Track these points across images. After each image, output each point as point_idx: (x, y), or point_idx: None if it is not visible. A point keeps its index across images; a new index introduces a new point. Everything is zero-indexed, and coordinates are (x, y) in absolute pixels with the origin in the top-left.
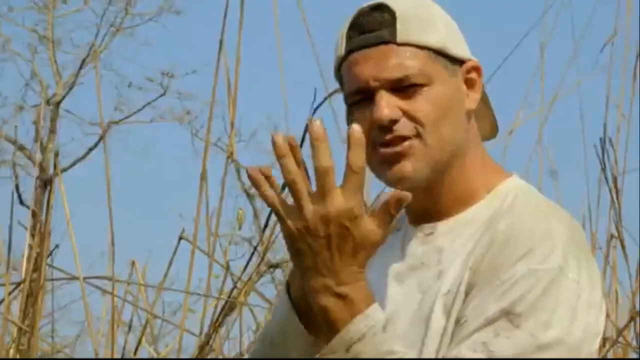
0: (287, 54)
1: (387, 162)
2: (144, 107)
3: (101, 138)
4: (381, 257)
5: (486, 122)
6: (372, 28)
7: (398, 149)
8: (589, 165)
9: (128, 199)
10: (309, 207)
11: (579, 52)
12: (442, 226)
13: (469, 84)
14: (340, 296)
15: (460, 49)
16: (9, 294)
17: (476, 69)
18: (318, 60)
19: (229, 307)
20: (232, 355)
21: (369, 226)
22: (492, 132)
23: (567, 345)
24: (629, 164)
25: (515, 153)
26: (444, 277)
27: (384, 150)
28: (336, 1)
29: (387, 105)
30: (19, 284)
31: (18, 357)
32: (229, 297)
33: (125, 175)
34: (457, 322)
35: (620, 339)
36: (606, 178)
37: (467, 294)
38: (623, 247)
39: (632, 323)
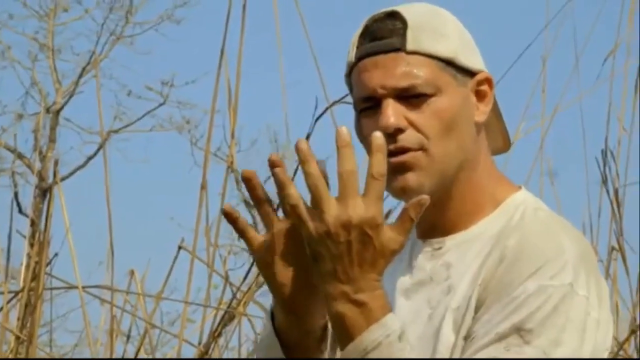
0: (288, 63)
1: (391, 172)
2: (143, 116)
3: (100, 147)
4: (389, 269)
5: (498, 135)
6: (383, 35)
7: (403, 158)
8: (590, 178)
9: (127, 208)
10: (330, 212)
11: (580, 65)
12: (450, 241)
13: (480, 96)
14: (358, 303)
15: (472, 60)
16: (7, 302)
17: (488, 81)
18: (319, 69)
19: (228, 317)
20: None
21: (389, 234)
22: (504, 145)
23: (570, 346)
24: (630, 176)
25: (517, 165)
26: (453, 292)
27: (388, 159)
28: (339, 12)
29: (393, 114)
30: (17, 293)
31: None
32: (228, 307)
33: (124, 184)
34: (467, 337)
35: (621, 353)
36: (607, 190)
37: (477, 310)
38: (624, 259)
39: (633, 336)
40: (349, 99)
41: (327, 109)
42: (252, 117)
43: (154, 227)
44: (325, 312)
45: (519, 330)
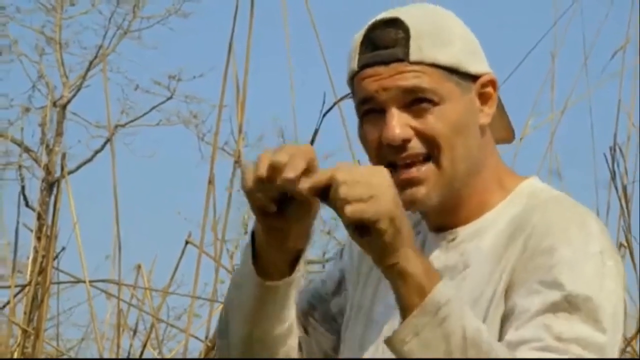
0: (296, 58)
1: (400, 186)
2: (150, 110)
3: (108, 141)
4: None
5: (501, 127)
6: (385, 44)
7: (412, 174)
8: (599, 174)
9: (134, 202)
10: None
11: (589, 60)
12: (464, 230)
13: (483, 98)
14: (421, 266)
15: (475, 63)
16: (14, 296)
17: (492, 82)
18: (327, 64)
19: None
20: None
21: None
22: (507, 136)
23: (609, 333)
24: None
25: (525, 161)
26: (471, 279)
27: (398, 175)
28: (347, 7)
29: (397, 124)
30: (24, 287)
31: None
32: None
33: (131, 179)
34: (510, 312)
35: (629, 349)
36: (616, 187)
37: (505, 291)
38: (632, 256)
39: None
40: None
41: (335, 104)
42: (259, 112)
43: (161, 221)
44: (304, 239)
45: (566, 296)
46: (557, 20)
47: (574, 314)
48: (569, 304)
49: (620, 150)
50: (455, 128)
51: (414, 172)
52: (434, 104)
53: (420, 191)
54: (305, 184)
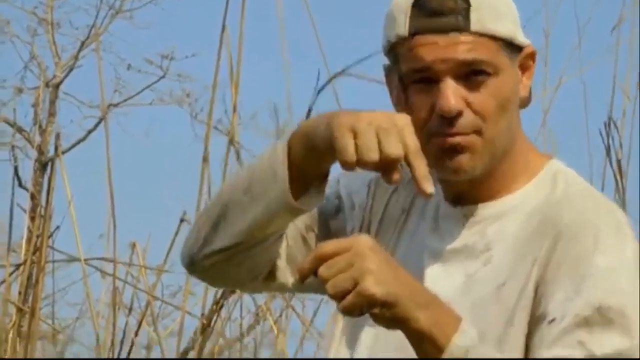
0: (289, 36)
1: (446, 153)
2: (143, 89)
3: (101, 120)
4: (413, 227)
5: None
6: (443, 11)
7: (457, 140)
8: (593, 149)
9: (128, 181)
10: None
11: (583, 36)
12: (485, 209)
13: (523, 69)
14: (434, 313)
15: (521, 35)
16: (9, 275)
17: (532, 55)
18: (320, 43)
19: (230, 290)
20: (233, 337)
21: None
22: (524, 101)
23: (637, 335)
24: (634, 147)
25: None
26: (494, 265)
27: (444, 140)
28: None
29: (453, 95)
30: (19, 266)
31: (18, 339)
32: None
33: (125, 158)
34: (541, 319)
35: None
36: (610, 162)
37: (535, 289)
38: None
39: None
40: (352, 70)
41: (329, 81)
42: (252, 91)
43: (156, 200)
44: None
45: (598, 309)
46: None
47: (607, 327)
48: (602, 317)
49: (615, 125)
50: (504, 102)
51: (460, 139)
52: (489, 75)
53: (465, 159)
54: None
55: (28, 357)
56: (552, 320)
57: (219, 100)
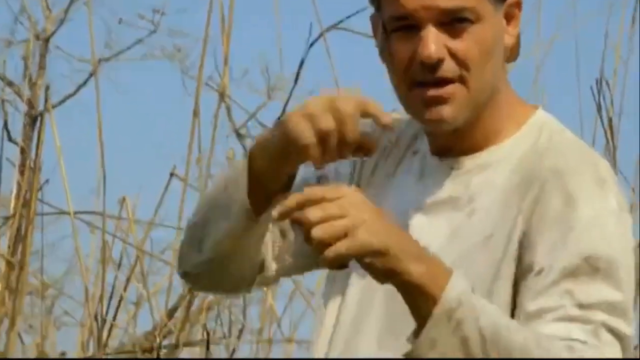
0: None
1: (427, 103)
2: (134, 44)
3: (91, 75)
4: (399, 179)
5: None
6: None
7: (441, 92)
8: (584, 108)
9: (118, 137)
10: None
11: None
12: (470, 161)
13: (509, 18)
14: (428, 266)
15: None
16: None
17: (518, 4)
18: None
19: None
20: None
21: None
22: (512, 54)
23: (627, 288)
24: (625, 107)
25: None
26: (480, 216)
27: (425, 91)
28: None
29: (435, 42)
30: (8, 218)
31: (7, 293)
32: None
33: (115, 113)
34: (528, 270)
35: None
36: (601, 119)
37: (521, 241)
38: None
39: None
40: (344, 24)
41: (320, 34)
42: (243, 48)
43: (146, 156)
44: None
45: (586, 259)
46: None
47: (595, 276)
48: (590, 267)
49: (607, 83)
50: (487, 49)
51: (442, 90)
52: (472, 22)
53: (446, 109)
54: (274, 212)
55: (16, 311)
56: (540, 270)
57: (210, 55)
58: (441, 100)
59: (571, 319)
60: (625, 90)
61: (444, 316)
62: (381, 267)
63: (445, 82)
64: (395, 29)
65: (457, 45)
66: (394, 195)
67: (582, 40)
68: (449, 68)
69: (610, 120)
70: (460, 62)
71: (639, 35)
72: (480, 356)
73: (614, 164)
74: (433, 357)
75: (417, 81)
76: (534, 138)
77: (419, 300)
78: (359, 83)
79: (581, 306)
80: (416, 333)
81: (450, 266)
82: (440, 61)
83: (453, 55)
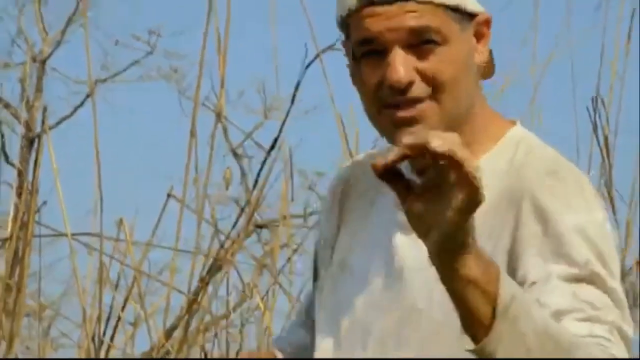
0: (277, 9)
1: (397, 125)
2: (130, 65)
3: (88, 96)
4: (379, 204)
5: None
6: None
7: (413, 112)
8: (580, 126)
9: (115, 158)
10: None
11: (572, 11)
12: None
13: (478, 36)
14: (481, 261)
15: (472, 2)
16: None
17: (487, 22)
18: (308, 16)
19: (217, 266)
20: (219, 314)
21: None
22: (487, 71)
23: (621, 293)
24: (622, 124)
25: (508, 113)
26: None
27: (395, 112)
28: None
29: (403, 65)
30: (5, 240)
31: (4, 315)
32: (216, 255)
33: (112, 135)
34: (521, 283)
35: None
36: (597, 138)
37: (508, 259)
38: (613, 208)
39: (621, 281)
40: (339, 45)
41: (317, 55)
42: (239, 69)
43: (143, 177)
44: None
45: (580, 267)
46: None
47: (593, 281)
48: (587, 272)
49: (603, 101)
50: (458, 68)
51: (413, 110)
52: (438, 44)
53: (418, 130)
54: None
55: (14, 333)
56: (533, 283)
57: (207, 77)
58: (412, 121)
59: (589, 319)
60: (622, 106)
61: (504, 312)
62: (458, 207)
63: (415, 101)
64: (363, 53)
65: (425, 65)
66: (377, 216)
67: (579, 57)
68: (419, 88)
69: (606, 138)
70: (430, 82)
71: (638, 48)
72: (538, 352)
73: (610, 182)
74: (500, 353)
75: (387, 103)
76: (510, 153)
77: (477, 297)
78: (354, 103)
79: (595, 308)
80: (472, 329)
81: (435, 284)
82: (410, 84)
83: (423, 75)
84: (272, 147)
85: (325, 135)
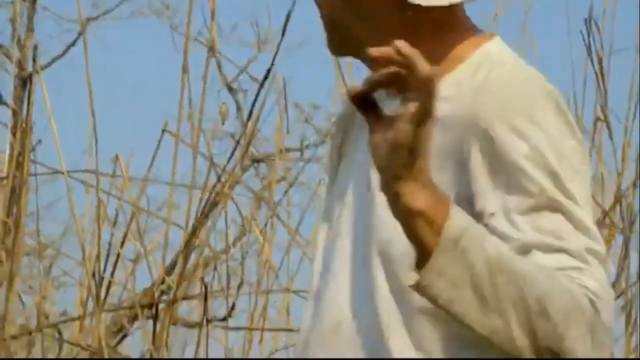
0: None
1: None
2: (121, 2)
3: (80, 35)
4: (355, 136)
5: None
6: None
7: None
8: (575, 49)
9: (109, 96)
10: None
11: None
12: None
13: None
14: (431, 193)
15: None
16: None
17: None
18: None
19: (215, 201)
20: (219, 248)
21: None
22: None
23: (588, 208)
24: (616, 44)
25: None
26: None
27: None
28: None
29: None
30: (1, 179)
31: (4, 254)
32: (213, 189)
33: (105, 73)
34: (479, 216)
35: (607, 220)
36: (592, 60)
37: (465, 192)
38: (609, 129)
39: (618, 204)
40: None
41: None
42: (232, 4)
43: (137, 114)
44: None
45: (537, 195)
46: None
47: (556, 208)
48: (546, 200)
49: (596, 23)
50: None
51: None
52: None
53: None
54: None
55: (14, 272)
56: (492, 214)
57: (198, 11)
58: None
59: (556, 250)
60: (616, 27)
61: (450, 243)
62: (401, 157)
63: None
64: None
65: None
66: (363, 144)
67: None
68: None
69: (600, 61)
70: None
71: None
72: (488, 287)
73: (606, 104)
74: (441, 285)
75: None
76: (469, 75)
77: (423, 228)
78: None
79: (557, 237)
80: (419, 263)
81: None
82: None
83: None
84: (265, 79)
85: (319, 67)
